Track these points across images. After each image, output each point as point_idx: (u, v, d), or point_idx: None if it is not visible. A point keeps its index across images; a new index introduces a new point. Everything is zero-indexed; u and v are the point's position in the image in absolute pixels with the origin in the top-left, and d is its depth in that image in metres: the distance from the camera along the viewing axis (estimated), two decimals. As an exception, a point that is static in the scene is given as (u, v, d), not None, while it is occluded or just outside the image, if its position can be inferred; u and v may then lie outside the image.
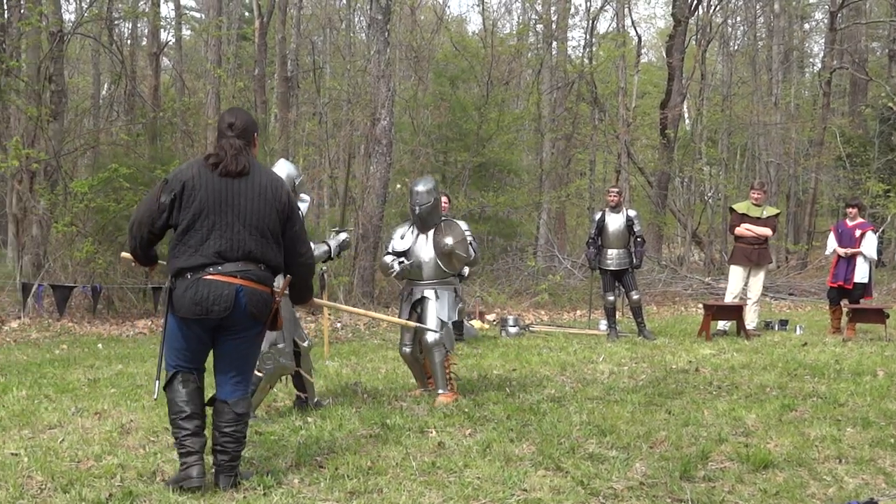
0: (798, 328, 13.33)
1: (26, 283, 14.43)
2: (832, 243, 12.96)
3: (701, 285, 21.80)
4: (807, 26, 40.13)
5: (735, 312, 12.51)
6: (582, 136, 28.76)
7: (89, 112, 25.27)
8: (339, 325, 14.41)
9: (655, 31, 45.47)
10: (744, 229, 12.85)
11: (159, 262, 5.10)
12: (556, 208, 26.51)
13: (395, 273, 7.77)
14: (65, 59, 19.91)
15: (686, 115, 32.69)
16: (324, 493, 4.76)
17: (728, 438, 5.94)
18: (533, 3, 30.20)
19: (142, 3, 25.84)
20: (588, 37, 29.99)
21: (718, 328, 12.81)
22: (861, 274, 12.61)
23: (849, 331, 12.12)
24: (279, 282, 5.08)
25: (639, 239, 12.45)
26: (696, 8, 27.70)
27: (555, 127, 26.12)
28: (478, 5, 43.78)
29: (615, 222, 12.46)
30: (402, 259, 7.79)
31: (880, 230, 15.06)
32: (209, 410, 4.93)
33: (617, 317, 12.94)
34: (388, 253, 7.94)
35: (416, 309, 7.74)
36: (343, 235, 7.52)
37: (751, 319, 12.90)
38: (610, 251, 12.45)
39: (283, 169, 6.92)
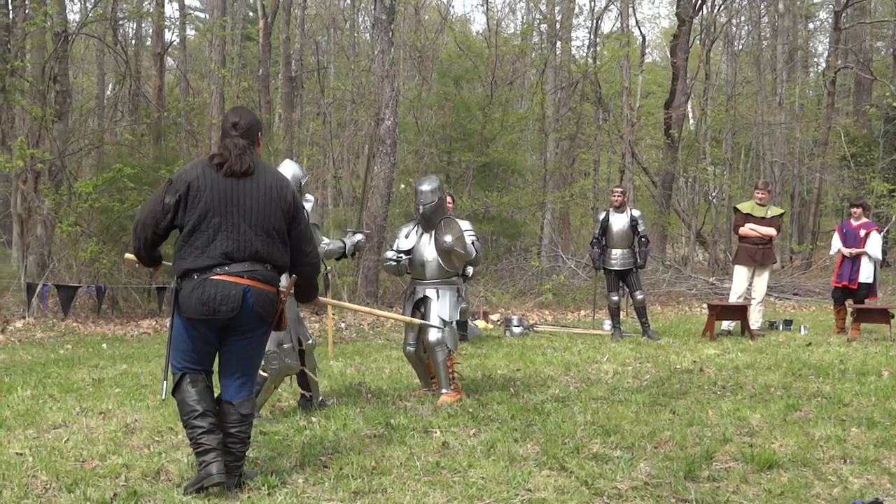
0: (802, 328, 13.31)
1: (31, 283, 14.45)
2: (836, 243, 12.94)
3: (705, 285, 21.78)
4: (811, 26, 40.08)
5: (739, 312, 12.50)
6: (586, 136, 28.74)
7: (94, 112, 25.32)
8: (343, 324, 14.41)
9: (659, 30, 45.48)
10: (748, 229, 12.84)
11: (163, 262, 5.09)
12: (560, 208, 26.50)
13: (390, 267, 7.81)
14: (69, 60, 19.93)
15: (690, 115, 32.62)
16: (328, 493, 4.76)
17: (732, 438, 5.94)
18: (537, 2, 30.21)
19: (146, 3, 25.86)
20: (592, 36, 30.03)
21: (723, 328, 12.80)
22: (866, 274, 12.59)
23: (853, 331, 12.11)
24: (284, 281, 5.08)
25: (643, 239, 12.45)
26: (701, 8, 27.67)
27: (559, 127, 26.10)
28: (482, 5, 43.89)
29: (619, 222, 12.45)
30: (400, 255, 7.81)
31: (885, 230, 15.05)
32: None
33: (621, 317, 12.94)
34: (392, 250, 7.96)
35: (420, 308, 7.74)
36: (358, 237, 7.56)
37: (755, 319, 12.89)
38: (614, 251, 12.44)
39: (288, 169, 6.93)
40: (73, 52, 23.28)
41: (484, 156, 22.22)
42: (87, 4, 24.11)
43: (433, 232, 7.73)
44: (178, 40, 28.41)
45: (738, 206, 13.44)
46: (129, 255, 5.40)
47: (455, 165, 22.84)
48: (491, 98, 22.68)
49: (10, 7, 17.63)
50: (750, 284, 13.06)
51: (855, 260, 12.62)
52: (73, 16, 26.09)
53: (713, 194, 31.92)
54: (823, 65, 35.37)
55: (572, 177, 29.16)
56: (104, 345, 12.03)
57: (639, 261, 12.43)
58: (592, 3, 30.45)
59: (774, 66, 31.62)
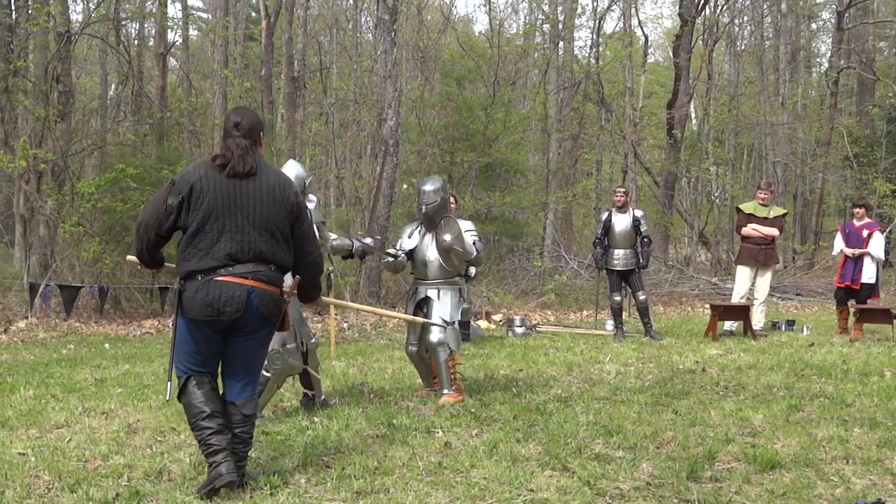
0: (805, 328, 13.31)
1: (33, 283, 14.45)
2: (839, 243, 12.93)
3: (708, 285, 21.78)
4: (814, 26, 40.05)
5: (742, 313, 12.49)
6: (588, 137, 28.75)
7: (96, 112, 25.32)
8: (345, 325, 14.42)
9: (662, 30, 45.42)
10: (750, 229, 12.84)
11: (165, 264, 5.09)
12: (563, 208, 26.50)
13: (388, 264, 7.85)
14: (72, 60, 19.96)
15: (693, 115, 32.61)
16: (330, 493, 4.76)
17: (735, 439, 5.94)
18: (540, 3, 30.21)
19: (149, 3, 25.89)
20: (595, 37, 29.98)
21: (725, 328, 12.79)
22: (868, 274, 12.58)
23: (856, 331, 12.09)
24: (288, 281, 5.08)
25: (645, 239, 12.44)
26: (703, 8, 27.66)
27: (561, 127, 26.09)
28: (484, 5, 43.91)
29: (622, 222, 12.45)
30: (398, 252, 7.81)
31: (888, 230, 15.05)
32: None
33: (623, 317, 12.93)
34: (393, 248, 7.96)
35: (422, 308, 7.74)
36: (368, 240, 7.59)
37: (758, 320, 12.88)
38: (616, 251, 12.44)
39: (291, 170, 6.95)
40: (76, 52, 23.29)
41: (486, 156, 22.21)
42: (90, 5, 24.13)
43: (435, 232, 7.73)
44: (180, 40, 28.41)
45: (741, 207, 13.44)
46: (130, 257, 5.38)
47: (457, 165, 22.84)
48: (493, 98, 22.67)
49: (14, 7, 17.65)
50: (752, 285, 13.06)
51: (857, 260, 12.61)
52: (76, 16, 26.14)
53: (716, 194, 31.93)
54: (826, 65, 35.38)
55: (575, 177, 29.16)
56: (107, 345, 12.04)
57: (641, 261, 12.43)
58: (595, 4, 30.57)
59: (777, 66, 31.60)
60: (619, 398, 7.47)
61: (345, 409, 6.90)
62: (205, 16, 38.74)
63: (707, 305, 15.71)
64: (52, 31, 17.09)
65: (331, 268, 8.52)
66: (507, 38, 27.36)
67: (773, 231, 12.84)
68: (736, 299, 13.09)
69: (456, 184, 21.46)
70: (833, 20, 32.38)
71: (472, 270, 10.63)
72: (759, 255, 12.85)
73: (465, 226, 7.80)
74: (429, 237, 7.75)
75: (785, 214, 13.91)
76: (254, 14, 32.57)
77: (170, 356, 4.92)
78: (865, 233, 12.69)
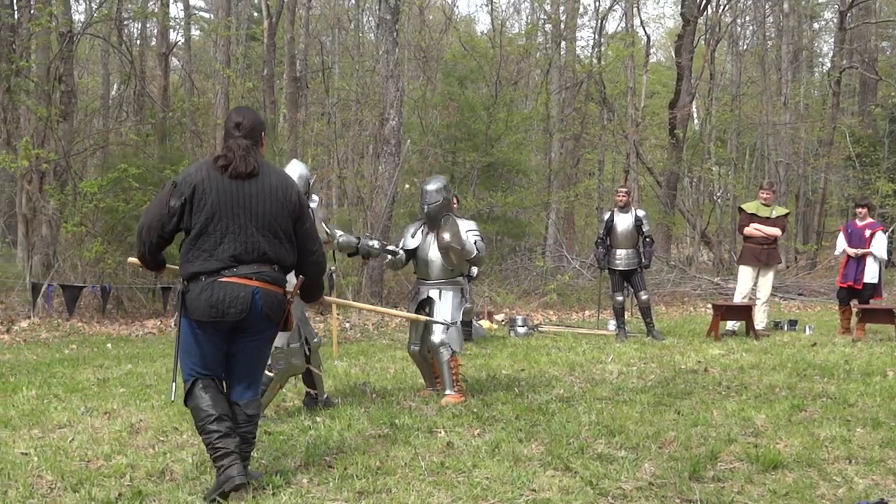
0: (807, 328, 13.31)
1: (36, 282, 14.47)
2: (842, 243, 12.92)
3: (710, 285, 21.77)
4: (816, 26, 40.01)
5: (744, 313, 12.49)
6: (591, 136, 28.72)
7: (99, 112, 25.34)
8: (347, 324, 14.42)
9: (664, 30, 45.44)
10: (753, 229, 12.83)
11: (167, 266, 5.08)
12: (565, 208, 26.48)
13: (388, 261, 7.85)
14: (74, 60, 19.96)
15: (695, 115, 32.61)
16: (333, 493, 4.76)
17: (737, 439, 5.93)
18: (542, 2, 30.22)
19: (151, 3, 25.91)
20: (597, 36, 30.00)
21: (727, 328, 12.79)
22: (871, 274, 12.57)
23: (858, 331, 12.09)
24: (292, 280, 5.06)
25: (647, 239, 12.44)
26: (705, 7, 27.65)
27: (563, 127, 26.09)
28: (486, 5, 43.86)
29: (624, 222, 12.45)
30: (397, 250, 7.82)
31: (890, 230, 15.03)
32: None
33: (626, 317, 12.93)
34: (395, 246, 7.96)
35: (424, 309, 7.74)
36: (374, 243, 7.59)
37: (760, 320, 12.88)
38: (619, 251, 12.44)
39: (295, 169, 6.97)
40: (79, 52, 23.31)
41: (488, 156, 22.20)
42: (93, 5, 24.13)
43: (436, 231, 7.72)
44: (182, 40, 28.43)
45: (743, 206, 13.43)
46: (132, 259, 5.36)
47: (459, 165, 22.84)
48: (495, 98, 22.66)
49: (16, 7, 17.67)
50: (755, 284, 13.06)
51: (860, 260, 12.59)
52: (79, 16, 26.11)
53: (718, 194, 31.94)
54: (828, 65, 35.30)
55: (577, 177, 29.15)
56: (109, 345, 12.05)
57: (643, 261, 12.43)
58: (597, 3, 30.57)
59: (779, 65, 31.61)
60: (622, 398, 7.46)
61: (347, 409, 6.91)
62: (207, 16, 38.82)
63: (709, 305, 15.71)
64: (54, 31, 17.10)
65: (333, 267, 8.51)
66: (509, 38, 27.36)
67: (776, 231, 12.83)
68: (738, 299, 13.09)
69: (458, 184, 21.46)
70: (835, 20, 32.40)
71: (474, 270, 10.62)
72: (762, 254, 12.84)
73: (468, 225, 7.78)
74: (431, 237, 7.75)
75: (787, 214, 13.90)
76: (256, 14, 32.60)
77: (174, 357, 4.90)
78: (868, 233, 12.67)
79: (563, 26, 27.27)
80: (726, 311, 12.65)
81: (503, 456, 5.49)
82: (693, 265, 26.82)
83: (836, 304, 13.71)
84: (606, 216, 12.74)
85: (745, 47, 35.56)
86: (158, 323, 14.47)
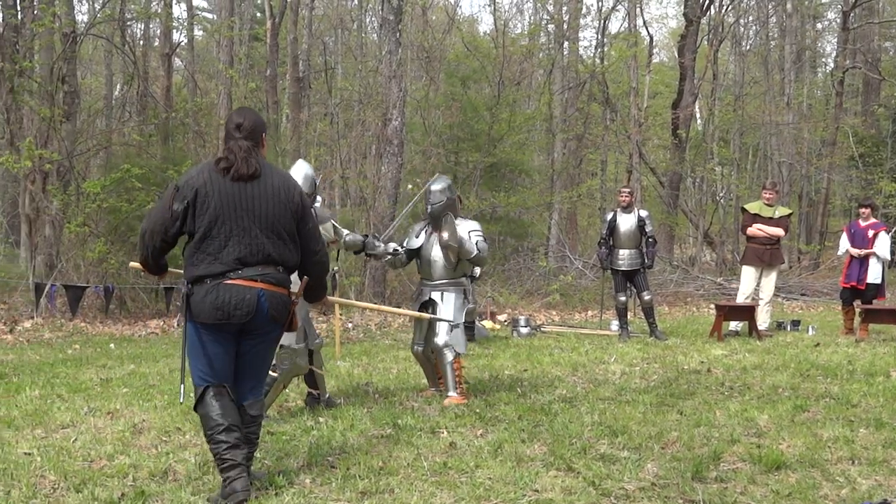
0: (810, 329, 13.29)
1: (39, 283, 14.48)
2: (845, 243, 12.90)
3: (713, 286, 21.75)
4: (819, 26, 40.01)
5: (747, 313, 12.48)
6: (593, 137, 28.72)
7: (102, 113, 25.36)
8: (350, 325, 14.43)
9: (667, 30, 45.43)
10: (756, 229, 12.82)
11: (169, 269, 5.05)
12: (568, 208, 26.47)
13: (388, 260, 7.87)
14: (77, 60, 19.99)
15: (698, 115, 32.62)
16: (335, 494, 4.77)
17: (740, 439, 5.93)
18: (544, 3, 30.18)
19: (154, 3, 25.93)
20: (600, 37, 30.02)
21: (730, 329, 12.78)
22: (874, 274, 12.56)
23: (861, 331, 12.07)
24: (294, 280, 5.05)
25: (650, 239, 12.42)
26: (708, 8, 27.63)
27: (566, 127, 26.08)
28: (489, 5, 43.82)
29: (627, 222, 12.44)
30: (398, 249, 7.82)
31: (893, 230, 15.03)
32: None
33: (628, 317, 12.92)
34: (402, 245, 7.97)
35: (427, 310, 7.74)
36: (382, 247, 7.62)
37: (763, 320, 12.86)
38: (621, 251, 12.43)
39: (301, 169, 6.98)
40: (82, 52, 23.33)
41: (491, 156, 22.20)
42: (96, 5, 24.10)
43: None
44: (185, 41, 28.43)
45: (746, 207, 13.41)
46: (134, 264, 5.34)
47: (462, 166, 22.83)
48: (498, 98, 22.66)
49: (19, 8, 17.68)
50: (758, 285, 13.03)
51: (863, 260, 12.58)
52: (82, 17, 26.11)
53: (721, 194, 31.91)
54: (831, 65, 35.30)
55: (580, 177, 29.15)
56: (112, 345, 12.06)
57: (646, 261, 12.41)
58: (600, 4, 30.44)
59: (782, 66, 31.58)
60: (624, 398, 7.46)
61: (350, 410, 6.91)
62: (210, 16, 38.85)
63: (712, 306, 15.69)
64: (57, 32, 17.11)
65: (336, 268, 8.52)
66: (511, 39, 27.37)
67: (779, 231, 12.82)
68: (741, 299, 13.08)
69: (461, 184, 21.45)
70: (838, 20, 32.38)
71: (477, 271, 10.63)
72: (765, 255, 12.83)
73: (471, 226, 7.78)
74: (435, 237, 7.75)
75: (790, 214, 13.89)
76: (259, 14, 32.67)
77: (181, 360, 4.88)
78: (871, 233, 12.66)
79: (565, 26, 27.25)
80: (729, 311, 12.64)
81: (506, 456, 5.49)
82: (696, 265, 26.82)
83: (840, 305, 13.70)
84: (609, 216, 12.74)
85: (748, 47, 35.53)
86: (161, 323, 14.48)
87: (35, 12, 17.25)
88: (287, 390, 7.37)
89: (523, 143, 24.97)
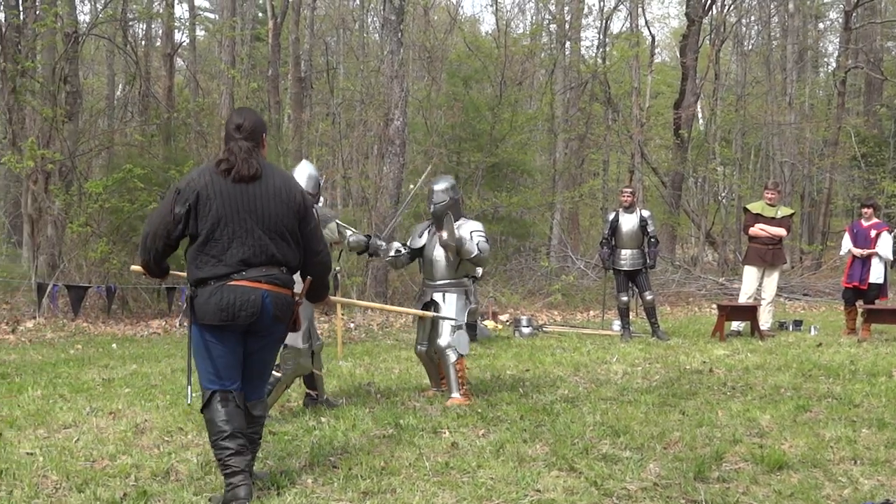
0: (813, 329, 13.28)
1: (41, 283, 14.49)
2: (847, 244, 12.90)
3: (715, 286, 21.74)
4: (821, 26, 39.95)
5: (749, 313, 12.47)
6: (595, 137, 28.71)
7: (104, 113, 25.35)
8: (352, 325, 14.43)
9: (669, 30, 45.39)
10: (758, 229, 12.81)
11: (170, 272, 5.04)
12: (570, 208, 26.47)
13: (389, 260, 7.90)
14: (80, 60, 20.00)
15: (700, 115, 32.62)
16: (337, 493, 4.77)
17: (742, 439, 5.93)
18: (546, 3, 30.17)
19: (156, 3, 25.94)
20: (601, 37, 30.01)
21: (732, 329, 12.78)
22: (876, 274, 12.55)
23: (864, 331, 12.07)
24: (297, 280, 5.04)
25: (652, 239, 12.43)
26: (710, 7, 27.61)
27: (568, 127, 26.08)
28: (491, 5, 43.86)
29: (629, 222, 12.44)
30: (399, 250, 7.83)
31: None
32: None
33: (630, 317, 12.92)
34: (405, 245, 7.97)
35: (429, 310, 7.73)
36: (381, 243, 7.63)
37: (765, 320, 12.85)
38: (623, 251, 12.43)
39: (304, 170, 7.00)
40: (84, 52, 23.35)
41: (493, 156, 22.20)
42: (98, 5, 24.15)
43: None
44: (187, 41, 28.47)
45: (748, 207, 13.41)
46: (135, 268, 5.31)
47: (464, 166, 22.83)
48: (500, 98, 22.66)
49: (21, 8, 17.68)
50: (760, 285, 13.03)
51: (865, 260, 12.58)
52: (84, 17, 26.16)
53: (723, 194, 31.87)
54: (834, 65, 35.27)
55: (581, 177, 29.15)
56: (114, 345, 12.06)
57: (648, 261, 12.41)
58: (602, 4, 30.41)
59: (784, 65, 31.54)
60: (626, 398, 7.46)
61: (351, 410, 6.91)
62: (212, 16, 38.89)
63: (714, 306, 15.68)
64: (59, 32, 17.12)
65: (338, 268, 8.53)
66: (513, 39, 27.37)
67: (781, 231, 12.81)
68: (743, 299, 13.07)
69: (463, 184, 21.44)
70: (840, 20, 32.32)
71: (479, 271, 10.63)
72: (767, 255, 12.82)
73: (474, 226, 7.76)
74: (437, 236, 7.76)
75: (792, 214, 13.87)
76: (261, 14, 32.69)
77: (187, 361, 4.85)
78: (873, 233, 12.66)
79: (567, 26, 27.27)
80: (731, 311, 12.64)
81: (508, 456, 5.49)
82: (698, 265, 26.78)
83: (842, 305, 13.70)
84: (611, 216, 12.73)
85: (749, 47, 35.51)
86: (163, 323, 14.48)
87: (37, 12, 17.25)
88: (289, 390, 7.37)
89: (525, 143, 24.98)
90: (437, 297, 7.65)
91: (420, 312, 7.67)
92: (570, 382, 8.43)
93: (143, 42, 28.55)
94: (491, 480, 4.97)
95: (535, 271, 21.40)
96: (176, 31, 26.24)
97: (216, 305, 4.58)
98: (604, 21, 29.81)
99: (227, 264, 4.61)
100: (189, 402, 4.94)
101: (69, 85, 17.26)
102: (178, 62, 28.73)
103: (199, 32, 33.34)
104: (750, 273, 13.03)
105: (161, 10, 23.90)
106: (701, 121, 33.17)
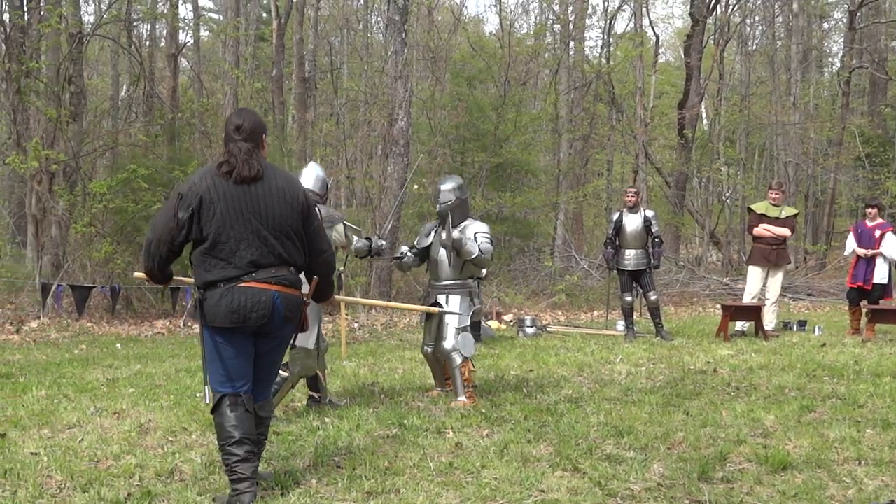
0: (817, 329, 13.26)
1: (46, 283, 14.51)
2: (851, 244, 12.89)
3: (719, 286, 21.73)
4: (826, 25, 39.86)
5: (753, 313, 12.46)
6: (599, 137, 28.71)
7: (108, 113, 25.37)
8: (356, 325, 14.43)
9: (673, 30, 45.29)
10: (762, 229, 12.80)
11: (174, 278, 5.02)
12: (574, 209, 26.47)
13: (395, 262, 7.91)
14: (84, 61, 20.03)
15: (704, 115, 32.54)
16: (341, 494, 4.77)
17: (746, 440, 5.92)
18: (550, 3, 30.19)
19: (160, 4, 25.97)
20: (605, 37, 29.97)
21: (737, 329, 12.76)
22: (880, 274, 12.54)
23: (868, 332, 12.05)
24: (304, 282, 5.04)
25: (656, 239, 12.41)
26: (714, 7, 27.60)
27: (572, 127, 26.08)
28: (495, 5, 43.77)
29: (633, 223, 12.43)
30: (404, 252, 7.83)
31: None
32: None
33: (634, 317, 12.90)
34: (406, 246, 7.97)
35: (432, 314, 7.72)
36: (382, 243, 7.64)
37: (769, 320, 12.84)
38: (627, 251, 12.42)
39: (312, 171, 7.03)
40: (88, 53, 23.35)
41: (497, 156, 22.20)
42: (102, 6, 24.19)
43: (445, 231, 7.72)
44: (191, 41, 28.48)
45: (752, 207, 13.40)
46: (139, 274, 5.28)
47: (468, 166, 22.82)
48: (504, 98, 22.66)
49: (26, 8, 17.72)
50: (764, 285, 13.02)
51: (870, 261, 12.57)
52: (88, 17, 26.22)
53: (727, 195, 31.85)
54: (838, 65, 35.21)
55: (586, 177, 29.12)
56: (118, 345, 12.08)
57: (652, 261, 12.40)
58: (606, 4, 30.43)
59: (789, 65, 31.50)
60: (630, 399, 7.46)
61: (355, 410, 6.91)
62: (216, 17, 38.88)
63: (718, 306, 15.68)
64: (63, 33, 17.16)
65: (342, 268, 8.54)
66: (517, 39, 27.34)
67: (785, 231, 12.80)
68: (747, 300, 13.05)
69: (467, 184, 21.40)
70: (845, 20, 32.28)
71: (483, 271, 10.63)
72: (771, 255, 12.81)
73: (479, 227, 7.74)
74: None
75: (796, 214, 13.86)
76: (265, 15, 32.67)
77: (202, 362, 4.83)
78: (878, 233, 12.64)
79: (571, 26, 27.26)
80: (735, 311, 12.62)
81: (512, 457, 5.49)
82: (702, 265, 26.76)
83: (846, 305, 13.67)
84: (615, 216, 12.72)
85: (754, 47, 35.47)
86: (168, 323, 14.50)
87: (41, 13, 17.28)
88: (293, 390, 7.37)
89: (529, 144, 24.96)
90: (441, 298, 7.63)
91: (423, 308, 7.66)
92: (574, 383, 8.43)
93: (148, 42, 28.62)
94: (495, 481, 4.97)
95: (538, 271, 21.39)
96: (180, 31, 26.27)
97: (227, 308, 4.56)
98: (608, 21, 29.81)
99: (237, 266, 4.59)
100: (207, 401, 4.90)
101: (73, 85, 17.30)
102: (183, 62, 28.76)
103: (204, 33, 33.35)
104: (754, 273, 13.02)
105: (165, 11, 23.95)
106: (705, 121, 33.11)
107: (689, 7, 28.56)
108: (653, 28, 30.57)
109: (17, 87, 15.97)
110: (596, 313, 17.29)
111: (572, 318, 16.86)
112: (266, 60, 28.56)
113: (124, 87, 29.55)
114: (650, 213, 12.58)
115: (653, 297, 12.40)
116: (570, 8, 27.60)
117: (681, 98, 27.66)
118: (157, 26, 29.12)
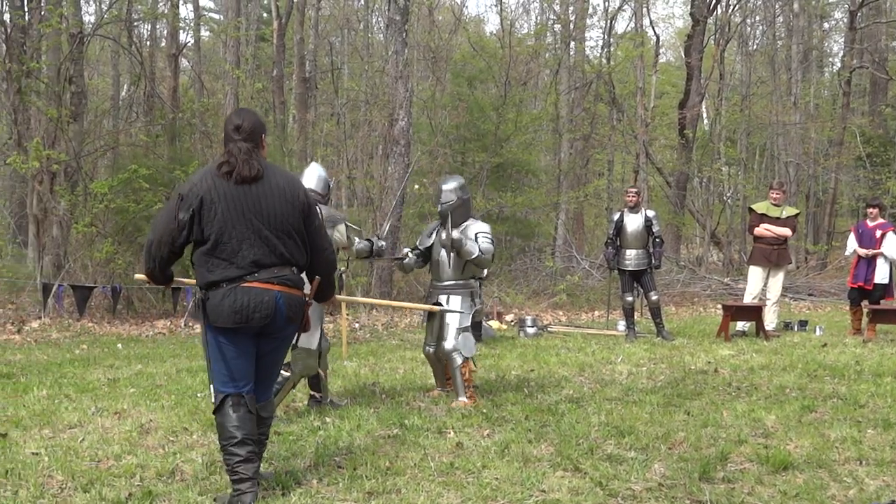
0: (818, 329, 13.26)
1: (47, 283, 14.51)
2: (852, 244, 12.89)
3: (720, 286, 21.72)
4: (826, 25, 39.86)
5: (754, 313, 12.45)
6: (600, 137, 28.71)
7: (109, 113, 25.38)
8: (357, 325, 14.43)
9: (674, 30, 45.32)
10: (763, 229, 12.80)
11: (175, 279, 5.02)
12: (575, 209, 26.47)
13: (397, 263, 7.92)
14: (85, 61, 20.02)
15: (704, 115, 32.53)
16: (342, 494, 4.77)
17: (747, 440, 5.92)
18: (551, 3, 30.19)
19: (161, 4, 25.98)
20: (606, 37, 29.95)
21: (737, 329, 12.76)
22: (881, 274, 12.54)
23: (869, 331, 12.05)
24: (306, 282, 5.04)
25: (657, 239, 12.41)
26: (715, 7, 27.59)
27: (573, 127, 26.08)
28: (495, 6, 43.87)
29: (634, 223, 12.42)
30: (406, 253, 7.83)
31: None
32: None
33: (635, 317, 12.90)
34: (414, 247, 7.97)
35: (434, 314, 7.71)
36: (383, 243, 7.65)
37: (770, 320, 12.84)
38: (628, 251, 12.41)
39: (314, 171, 7.03)
40: (89, 53, 23.36)
41: (498, 156, 22.20)
42: (103, 6, 24.20)
43: (446, 231, 7.72)
44: (192, 41, 28.49)
45: (753, 207, 13.40)
46: (139, 276, 5.28)
47: (469, 166, 22.83)
48: (505, 98, 22.67)
49: (26, 9, 17.73)
50: (765, 285, 13.02)
51: (871, 261, 12.56)
52: (89, 17, 26.24)
53: (728, 195, 31.83)
54: (838, 64, 35.19)
55: (586, 177, 29.14)
56: (119, 345, 12.07)
57: (653, 261, 12.40)
58: (606, 4, 30.55)
59: (789, 65, 31.51)
60: (631, 399, 7.46)
61: (356, 410, 6.91)
62: (216, 17, 38.88)
63: (719, 306, 15.67)
64: (64, 33, 17.15)
65: (342, 268, 8.54)
66: (518, 39, 27.36)
67: (786, 231, 12.80)
68: (748, 300, 13.05)
69: (467, 184, 21.43)
70: (845, 19, 32.29)
71: (484, 271, 10.63)
72: (772, 255, 12.81)
73: (480, 227, 7.73)
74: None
75: (797, 214, 13.86)
76: (265, 15, 32.67)
77: (206, 362, 4.80)
78: (879, 233, 12.64)
79: (572, 27, 27.27)
80: (736, 311, 12.62)
81: (513, 457, 5.49)
82: (703, 266, 26.75)
83: (847, 305, 13.67)
84: (616, 216, 12.73)
85: (754, 47, 35.45)
86: (168, 323, 14.50)
87: (42, 13, 17.29)
88: (294, 390, 7.37)
89: (530, 144, 24.97)
90: (443, 298, 7.62)
91: (425, 307, 7.66)
92: (575, 383, 8.43)
93: (148, 42, 28.65)
94: (496, 481, 4.97)
95: (539, 271, 21.40)
96: (181, 31, 26.30)
97: (230, 308, 4.56)
98: (608, 21, 29.81)
99: (240, 266, 4.59)
100: (213, 400, 4.89)
101: (74, 85, 17.30)
102: (183, 62, 28.77)
103: (204, 33, 33.37)
104: (755, 273, 13.02)
105: (166, 11, 23.96)
106: (706, 121, 33.10)
107: (689, 7, 28.58)
108: (653, 28, 30.63)
109: (17, 87, 15.97)
110: (597, 313, 17.29)
111: (573, 318, 16.85)
112: (267, 60, 28.58)
113: (125, 87, 29.58)
114: (651, 213, 12.58)
115: (654, 297, 12.40)
116: (571, 8, 27.61)
117: (681, 98, 27.67)
118: (158, 26, 29.17)
